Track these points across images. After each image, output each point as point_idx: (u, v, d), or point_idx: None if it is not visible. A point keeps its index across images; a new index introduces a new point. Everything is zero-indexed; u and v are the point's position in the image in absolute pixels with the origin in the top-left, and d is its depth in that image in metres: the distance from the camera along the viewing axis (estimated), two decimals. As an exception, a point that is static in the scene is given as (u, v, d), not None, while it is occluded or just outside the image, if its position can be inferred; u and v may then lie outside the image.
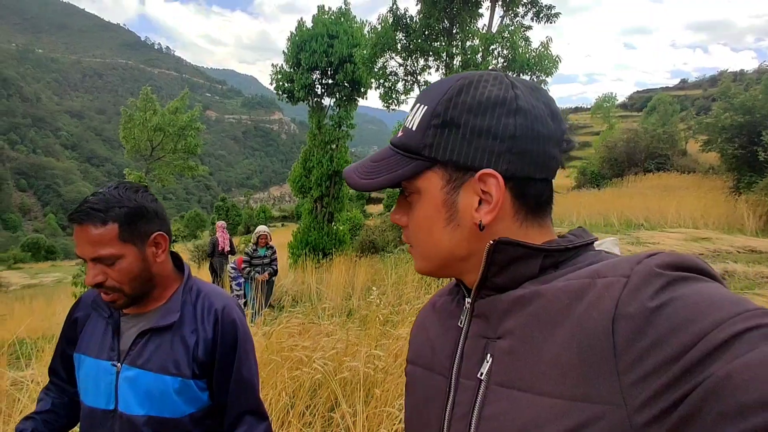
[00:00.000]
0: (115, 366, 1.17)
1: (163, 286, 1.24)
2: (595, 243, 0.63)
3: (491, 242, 0.57)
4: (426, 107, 0.60)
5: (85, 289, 1.33)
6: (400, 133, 0.64)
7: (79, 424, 1.27)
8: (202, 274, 12.86)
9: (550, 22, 9.62)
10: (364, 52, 10.52)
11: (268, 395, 2.83)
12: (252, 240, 7.49)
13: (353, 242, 12.84)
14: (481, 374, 0.57)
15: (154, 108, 11.86)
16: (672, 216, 13.77)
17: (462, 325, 0.64)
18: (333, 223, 12.89)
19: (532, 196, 0.60)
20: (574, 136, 0.64)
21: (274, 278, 7.48)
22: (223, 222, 10.02)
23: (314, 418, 2.76)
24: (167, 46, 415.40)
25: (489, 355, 0.57)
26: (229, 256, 9.40)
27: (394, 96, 10.58)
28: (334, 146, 12.84)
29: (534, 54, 9.02)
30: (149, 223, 1.17)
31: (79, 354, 1.24)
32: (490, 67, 8.87)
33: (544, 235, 0.61)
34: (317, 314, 5.23)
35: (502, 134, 0.56)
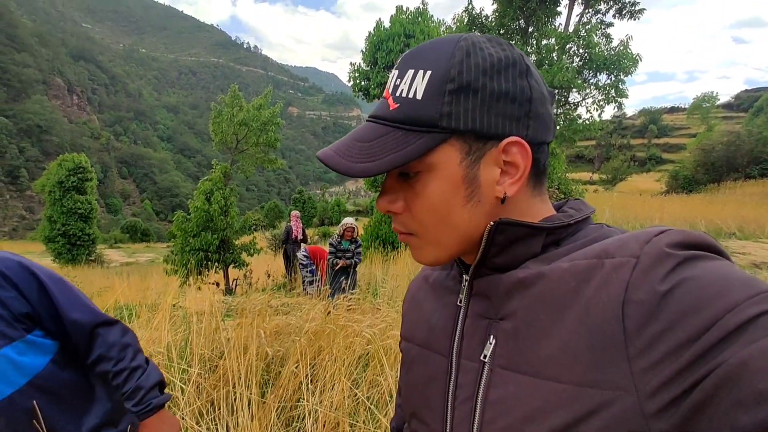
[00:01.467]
0: None
1: None
2: None
3: (492, 223, 0.54)
4: (429, 72, 0.52)
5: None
6: (391, 105, 0.54)
7: None
8: (278, 260, 13.58)
9: (634, 19, 9.21)
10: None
11: (324, 360, 3.03)
12: (338, 231, 7.46)
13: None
14: (485, 356, 0.55)
15: (240, 104, 12.58)
16: (770, 227, 12.64)
17: (461, 304, 0.61)
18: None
19: (542, 162, 0.57)
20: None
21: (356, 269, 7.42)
22: (298, 212, 10.51)
23: (362, 382, 2.92)
24: (255, 45, 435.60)
25: (492, 336, 0.55)
26: (302, 244, 9.90)
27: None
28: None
29: (613, 53, 8.69)
30: None
31: None
32: (565, 67, 8.70)
33: (546, 205, 0.59)
34: (373, 297, 5.49)
35: (521, 97, 0.52)
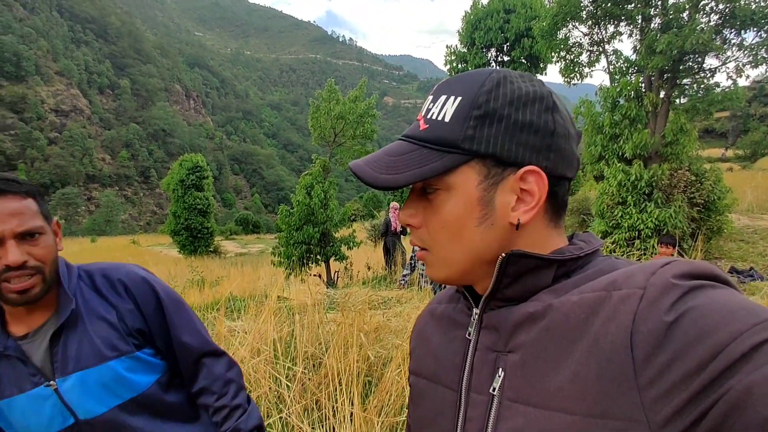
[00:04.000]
0: (50, 386, 1.05)
1: (53, 288, 1.08)
2: None
3: (503, 255, 0.55)
4: (460, 98, 0.56)
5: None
6: (422, 126, 0.59)
7: None
8: (377, 251, 13.67)
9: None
10: (544, 23, 9.76)
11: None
12: None
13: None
14: (494, 389, 0.55)
15: (337, 98, 12.76)
16: None
17: (470, 337, 0.61)
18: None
19: (561, 196, 0.59)
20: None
21: None
22: (396, 203, 10.40)
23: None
24: (350, 38, 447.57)
25: (501, 369, 0.55)
26: (401, 236, 9.74)
27: (577, 69, 9.64)
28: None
29: (763, 4, 7.31)
30: (47, 207, 1.08)
31: (2, 401, 1.07)
32: (698, 28, 7.47)
33: (561, 237, 0.60)
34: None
35: (543, 130, 0.55)
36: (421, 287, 6.85)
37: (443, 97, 0.58)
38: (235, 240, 48.24)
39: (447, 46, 13.32)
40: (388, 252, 9.80)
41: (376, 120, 12.77)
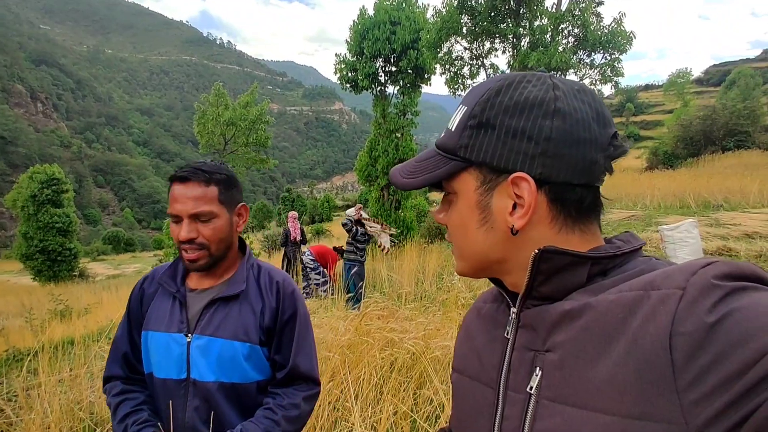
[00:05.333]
0: (187, 336, 1.24)
1: (230, 260, 1.33)
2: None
3: (536, 251, 0.56)
4: (465, 108, 0.60)
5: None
6: (443, 134, 0.64)
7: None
8: (274, 262, 13.40)
9: (624, -4, 9.20)
10: (428, 36, 10.48)
11: (360, 373, 2.93)
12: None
13: (420, 229, 12.94)
14: (531, 388, 0.56)
15: (225, 103, 12.29)
16: (755, 196, 12.92)
17: (508, 336, 0.63)
18: (400, 210, 13.05)
19: (572, 202, 0.57)
20: (625, 141, 0.60)
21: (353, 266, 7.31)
22: (295, 213, 10.39)
23: (406, 394, 2.84)
24: (228, 41, 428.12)
25: (538, 368, 0.56)
26: (302, 246, 9.75)
27: (460, 81, 10.51)
28: (399, 134, 12.93)
29: (606, 31, 8.68)
30: (239, 193, 1.31)
31: (147, 331, 1.29)
32: (560, 48, 8.66)
33: (588, 242, 0.59)
34: (394, 300, 5.37)
35: (537, 136, 0.55)
36: (320, 297, 6.84)
37: (459, 107, 0.62)
38: (105, 261, 43.94)
39: (336, 55, 13.61)
40: (289, 261, 9.75)
41: (269, 126, 12.61)
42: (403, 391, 2.89)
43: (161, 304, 1.31)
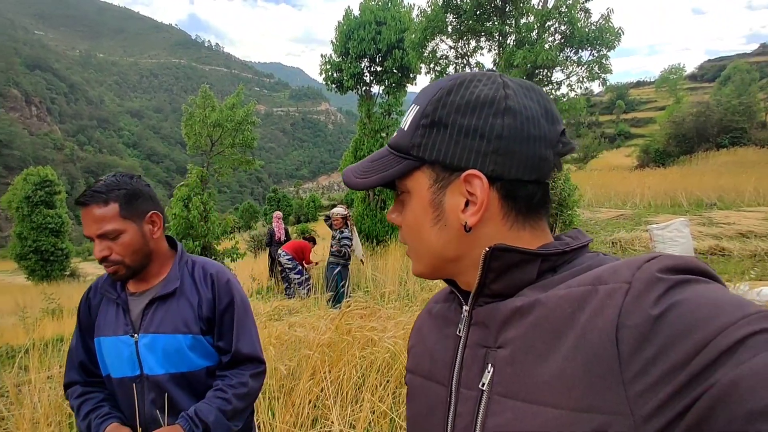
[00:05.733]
0: (133, 337, 1.34)
1: (159, 262, 1.40)
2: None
3: (487, 249, 0.56)
4: (417, 107, 0.60)
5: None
6: (396, 134, 0.64)
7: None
8: (259, 262, 13.29)
9: (611, -7, 9.13)
10: (413, 36, 10.36)
11: (340, 372, 2.94)
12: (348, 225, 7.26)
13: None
14: (483, 384, 0.56)
15: (212, 105, 12.20)
16: (750, 194, 12.88)
17: (460, 334, 0.63)
18: (385, 210, 12.89)
19: (523, 198, 0.58)
20: (572, 139, 0.61)
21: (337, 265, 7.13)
22: (280, 213, 10.37)
23: (385, 392, 2.86)
24: (216, 43, 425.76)
25: (490, 365, 0.56)
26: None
27: (446, 80, 10.38)
28: (384, 134, 12.78)
29: (594, 27, 8.56)
30: (145, 203, 1.35)
31: (99, 338, 1.39)
32: (546, 45, 8.52)
33: (538, 238, 0.60)
34: (376, 299, 5.34)
35: (489, 134, 0.55)
36: (302, 297, 6.86)
37: (412, 107, 0.62)
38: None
39: (322, 55, 13.43)
40: (273, 261, 9.67)
41: (255, 127, 12.45)
42: (383, 389, 2.90)
43: (107, 310, 1.40)
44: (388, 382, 2.96)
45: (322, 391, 2.81)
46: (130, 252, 1.30)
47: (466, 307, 0.63)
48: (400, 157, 0.61)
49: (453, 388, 0.61)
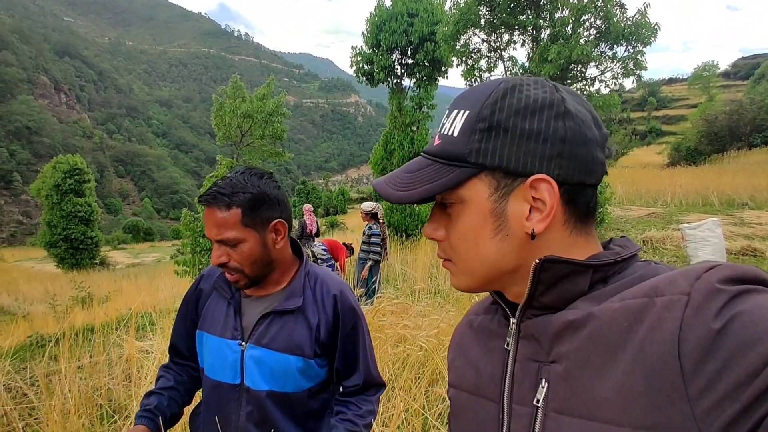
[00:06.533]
0: (241, 345, 1.26)
1: (282, 270, 1.31)
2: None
3: (537, 261, 0.55)
4: (467, 112, 0.57)
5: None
6: (436, 141, 0.61)
7: (201, 396, 1.37)
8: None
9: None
10: (446, 29, 10.33)
11: None
12: (380, 219, 7.22)
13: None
14: (537, 400, 0.55)
15: (243, 95, 12.34)
16: (784, 194, 12.53)
17: (509, 347, 0.61)
18: (415, 204, 12.86)
19: (582, 203, 0.58)
20: (612, 144, 0.62)
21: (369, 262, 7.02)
22: (310, 205, 10.42)
23: (419, 391, 2.84)
24: (246, 33, 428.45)
25: (544, 380, 0.55)
26: (316, 238, 9.77)
27: (477, 74, 10.33)
28: (414, 128, 12.80)
29: (630, 23, 8.42)
30: (270, 209, 1.23)
31: (202, 332, 1.33)
32: (581, 40, 8.42)
33: (591, 245, 0.60)
34: (407, 296, 5.35)
35: (552, 137, 0.54)
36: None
37: (455, 112, 0.59)
38: (125, 250, 44.74)
39: (352, 47, 13.47)
40: (303, 254, 9.77)
41: (285, 119, 12.59)
42: (416, 388, 2.89)
43: (216, 305, 1.33)
44: (420, 380, 2.96)
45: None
46: (249, 262, 1.21)
47: (513, 320, 0.61)
48: (450, 165, 0.58)
49: (504, 405, 0.59)
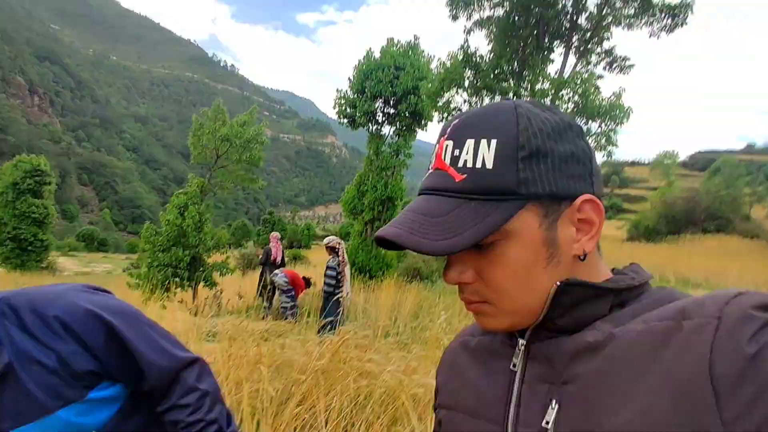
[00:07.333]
0: None
1: None
2: None
3: (557, 284, 0.53)
4: (495, 140, 0.52)
5: None
6: (457, 177, 0.54)
7: None
8: (246, 281, 13.15)
9: (624, 73, 9.59)
10: (430, 85, 10.71)
11: (332, 401, 2.83)
12: (338, 252, 7.09)
13: (398, 268, 12.80)
14: (547, 422, 0.52)
15: (224, 119, 12.40)
16: (733, 280, 13.13)
17: (515, 368, 0.59)
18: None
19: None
20: None
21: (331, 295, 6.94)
22: (278, 234, 10.28)
23: (381, 428, 2.74)
24: (232, 65, 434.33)
25: (555, 401, 0.53)
26: (280, 267, 9.58)
27: (456, 130, 10.67)
28: (389, 173, 13.00)
29: (605, 102, 8.95)
30: None
31: None
32: (558, 111, 8.87)
33: (604, 266, 0.59)
34: (368, 333, 5.28)
35: (583, 157, 0.55)
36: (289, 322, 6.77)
37: (470, 141, 0.53)
38: (76, 257, 42.76)
39: (337, 90, 13.81)
40: (264, 281, 9.57)
41: (264, 148, 12.62)
42: (378, 424, 2.78)
43: None
44: (383, 416, 2.85)
45: (311, 417, 2.68)
46: None
47: (522, 341, 0.59)
48: (491, 200, 0.52)
49: (509, 427, 0.57)
